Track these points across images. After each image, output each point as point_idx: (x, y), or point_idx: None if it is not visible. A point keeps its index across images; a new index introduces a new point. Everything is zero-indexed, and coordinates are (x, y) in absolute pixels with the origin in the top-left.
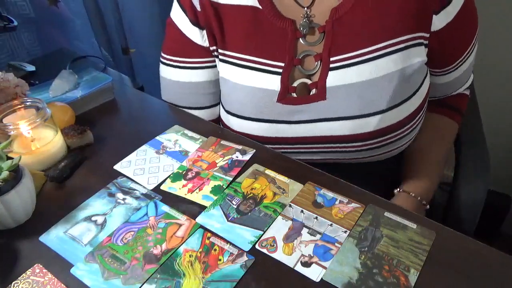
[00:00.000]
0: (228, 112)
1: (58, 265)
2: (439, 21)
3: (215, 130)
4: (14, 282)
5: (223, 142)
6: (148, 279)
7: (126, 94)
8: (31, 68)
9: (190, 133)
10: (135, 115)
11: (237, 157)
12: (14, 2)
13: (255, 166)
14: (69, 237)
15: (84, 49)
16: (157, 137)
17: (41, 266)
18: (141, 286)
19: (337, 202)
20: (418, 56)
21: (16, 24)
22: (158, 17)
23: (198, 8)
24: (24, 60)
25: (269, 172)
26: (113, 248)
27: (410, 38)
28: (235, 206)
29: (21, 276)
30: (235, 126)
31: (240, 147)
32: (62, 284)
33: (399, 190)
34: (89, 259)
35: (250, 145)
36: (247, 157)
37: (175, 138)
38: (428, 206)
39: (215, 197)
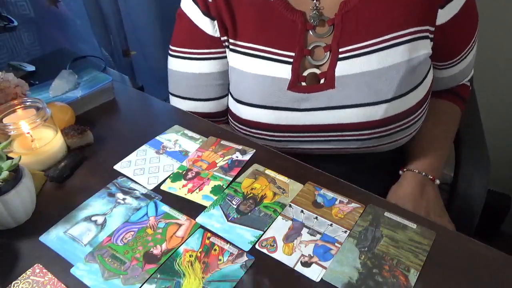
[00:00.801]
0: (237, 100)
1: (58, 265)
2: (444, 15)
3: (215, 130)
4: (14, 282)
5: (223, 142)
6: (148, 279)
7: (126, 94)
8: (31, 68)
9: (190, 133)
10: (135, 115)
11: (237, 157)
12: (14, 2)
13: (255, 166)
14: (69, 237)
15: (84, 49)
16: (157, 137)
17: (41, 266)
18: (141, 286)
19: (337, 202)
20: (424, 48)
21: (16, 24)
22: (160, 19)
23: None
24: (24, 60)
25: (269, 172)
26: (113, 248)
27: (417, 31)
28: (235, 206)
29: (21, 276)
30: (244, 114)
31: (240, 147)
32: (62, 284)
33: (404, 170)
34: (89, 259)
35: (250, 145)
36: (247, 157)
37: (175, 138)
38: (438, 181)
39: (215, 197)
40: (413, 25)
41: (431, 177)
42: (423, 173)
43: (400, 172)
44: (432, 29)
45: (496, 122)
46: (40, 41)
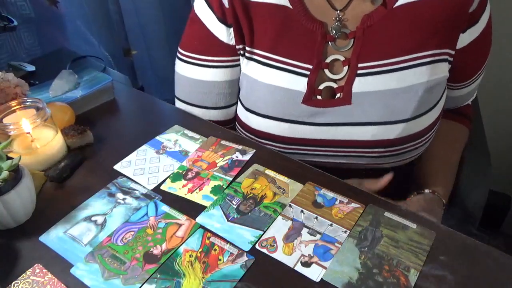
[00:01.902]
0: (248, 110)
1: (58, 265)
2: (464, 39)
3: (215, 130)
4: (14, 282)
5: (223, 142)
6: (148, 279)
7: (126, 94)
8: (31, 68)
9: (190, 133)
10: (135, 115)
11: (237, 157)
12: (14, 2)
13: (255, 166)
14: (69, 237)
15: (84, 49)
16: (157, 137)
17: (41, 266)
18: (141, 286)
19: (337, 202)
20: (443, 71)
21: (16, 24)
22: (164, 18)
23: (226, 5)
24: (24, 60)
25: (269, 172)
26: (113, 248)
27: (437, 53)
28: (235, 206)
29: (21, 276)
30: (254, 125)
31: (240, 147)
32: (62, 284)
33: (429, 191)
34: (89, 259)
35: (250, 145)
36: (247, 157)
37: (175, 138)
38: (443, 211)
39: (215, 197)
40: (435, 47)
41: (444, 202)
42: (443, 201)
43: (426, 191)
44: (452, 52)
45: (497, 123)
46: (40, 41)
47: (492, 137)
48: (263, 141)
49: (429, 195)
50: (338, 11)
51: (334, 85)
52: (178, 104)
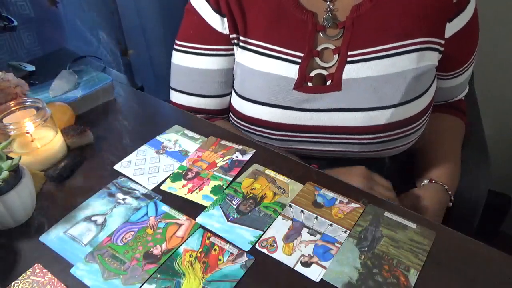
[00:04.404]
0: (241, 97)
1: (58, 265)
2: (451, 28)
3: (215, 130)
4: (14, 282)
5: (223, 142)
6: (148, 279)
7: (126, 94)
8: (31, 68)
9: (190, 133)
10: (135, 115)
11: (237, 157)
12: (14, 2)
13: (255, 166)
14: (69, 237)
15: (84, 49)
16: (157, 137)
17: (41, 266)
18: (141, 286)
19: (337, 202)
20: (430, 59)
21: (16, 24)
22: (163, 18)
23: None
24: (24, 60)
25: (269, 172)
26: (113, 248)
27: (425, 41)
28: (235, 206)
29: (21, 276)
30: (247, 111)
31: (240, 147)
32: (62, 284)
33: (431, 181)
34: (89, 259)
35: (250, 145)
36: (247, 157)
37: (175, 138)
38: (451, 204)
39: (215, 197)
40: (422, 36)
41: (451, 196)
42: (449, 192)
43: (425, 181)
44: (442, 42)
45: (496, 122)
46: (40, 41)
47: (492, 138)
48: (256, 128)
49: (438, 186)
50: (328, 2)
51: (325, 72)
52: (174, 95)
